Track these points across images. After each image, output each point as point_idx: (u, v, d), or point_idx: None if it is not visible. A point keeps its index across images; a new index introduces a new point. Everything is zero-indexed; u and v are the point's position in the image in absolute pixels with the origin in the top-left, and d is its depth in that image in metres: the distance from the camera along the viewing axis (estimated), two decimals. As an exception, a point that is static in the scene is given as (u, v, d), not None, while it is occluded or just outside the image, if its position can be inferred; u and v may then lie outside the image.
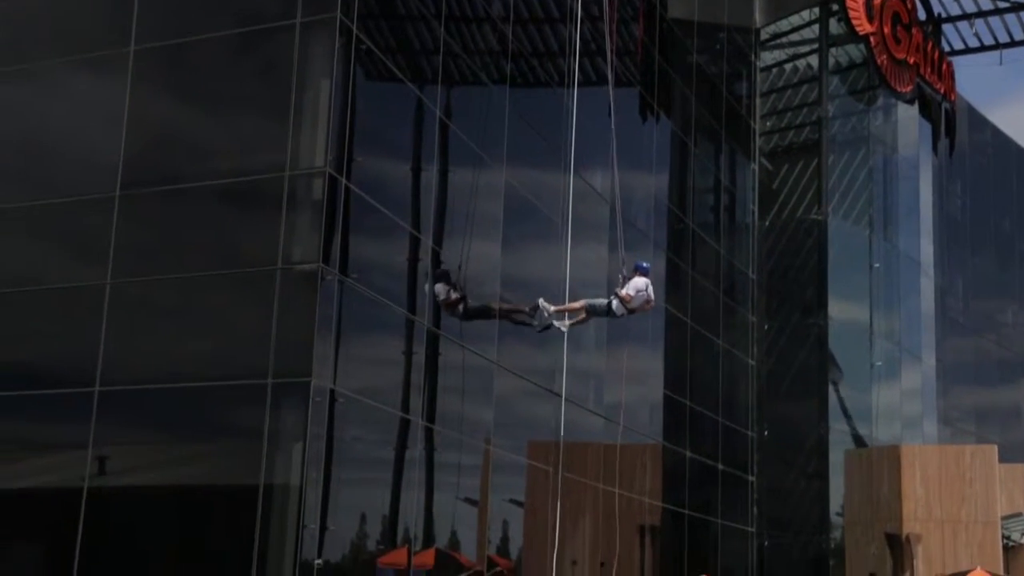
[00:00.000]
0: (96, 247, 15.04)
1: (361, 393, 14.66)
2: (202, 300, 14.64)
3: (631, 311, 17.40)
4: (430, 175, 16.72)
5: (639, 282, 17.24)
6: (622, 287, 17.23)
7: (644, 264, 17.78)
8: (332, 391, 13.96)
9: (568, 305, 17.79)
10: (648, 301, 17.57)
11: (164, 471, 14.67)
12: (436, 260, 16.67)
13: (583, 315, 17.57)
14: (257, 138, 15.01)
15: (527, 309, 17.55)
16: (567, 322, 17.62)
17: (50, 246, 15.84)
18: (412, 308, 16.01)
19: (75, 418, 14.59)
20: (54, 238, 15.80)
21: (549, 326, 17.66)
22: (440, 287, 16.41)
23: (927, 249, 36.98)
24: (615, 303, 17.21)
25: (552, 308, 17.41)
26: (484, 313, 17.63)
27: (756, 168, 31.95)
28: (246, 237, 14.72)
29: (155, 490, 14.61)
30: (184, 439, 14.57)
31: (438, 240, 16.78)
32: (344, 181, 14.44)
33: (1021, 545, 31.22)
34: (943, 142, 38.64)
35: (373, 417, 15.18)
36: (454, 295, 16.60)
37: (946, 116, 38.01)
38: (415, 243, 16.25)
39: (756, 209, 31.80)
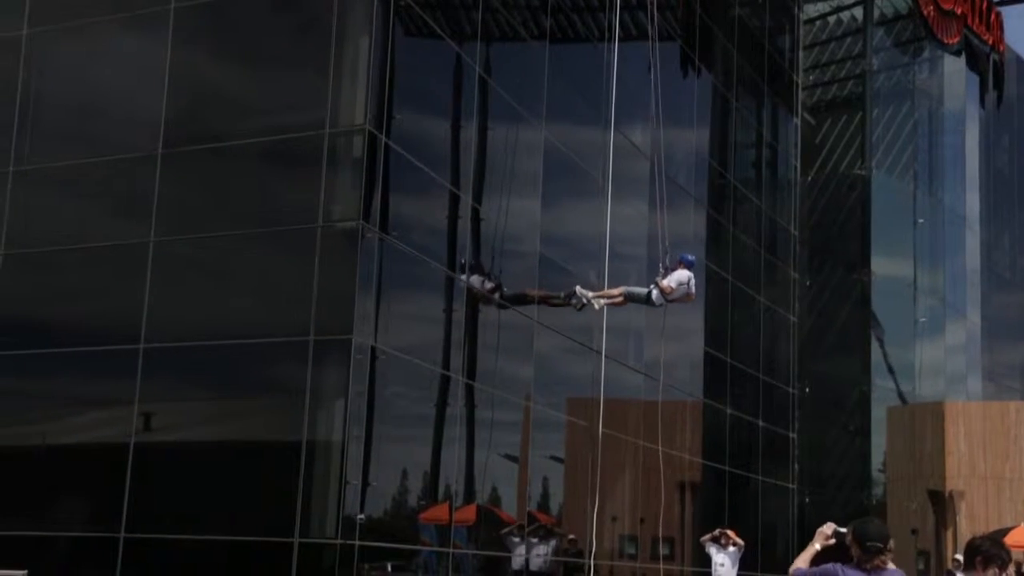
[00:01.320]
0: (139, 205, 15.15)
1: (402, 350, 14.73)
2: (244, 258, 14.74)
3: (670, 302, 17.27)
4: (469, 132, 16.68)
5: (682, 275, 16.97)
6: (663, 277, 16.98)
7: (689, 256, 17.53)
8: (373, 348, 14.04)
9: (607, 291, 17.65)
10: (689, 294, 17.32)
11: (208, 427, 14.86)
12: (476, 217, 16.67)
13: (620, 299, 17.39)
14: (297, 96, 15.02)
15: (562, 295, 17.45)
16: (603, 301, 17.49)
17: (94, 204, 15.99)
18: (452, 265, 16.04)
19: (121, 375, 14.79)
20: (98, 196, 15.93)
21: (585, 304, 17.54)
22: (475, 278, 16.35)
23: (973, 204, 36.53)
24: (655, 293, 16.93)
25: (591, 294, 17.26)
26: (519, 300, 17.56)
27: (799, 122, 31.60)
28: (287, 195, 14.77)
29: (199, 446, 14.81)
30: (227, 396, 14.73)
31: (478, 197, 16.77)
32: (384, 138, 14.43)
33: (1066, 502, 31.03)
34: (990, 94, 38.03)
35: (414, 374, 15.26)
36: (488, 285, 16.57)
37: (994, 68, 37.37)
38: (455, 200, 16.25)
39: (798, 164, 31.50)
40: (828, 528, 6.49)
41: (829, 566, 6.25)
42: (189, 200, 15.22)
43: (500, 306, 16.98)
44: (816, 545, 6.50)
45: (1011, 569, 6.48)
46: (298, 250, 14.22)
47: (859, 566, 6.17)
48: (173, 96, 15.32)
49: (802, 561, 6.44)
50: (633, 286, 17.51)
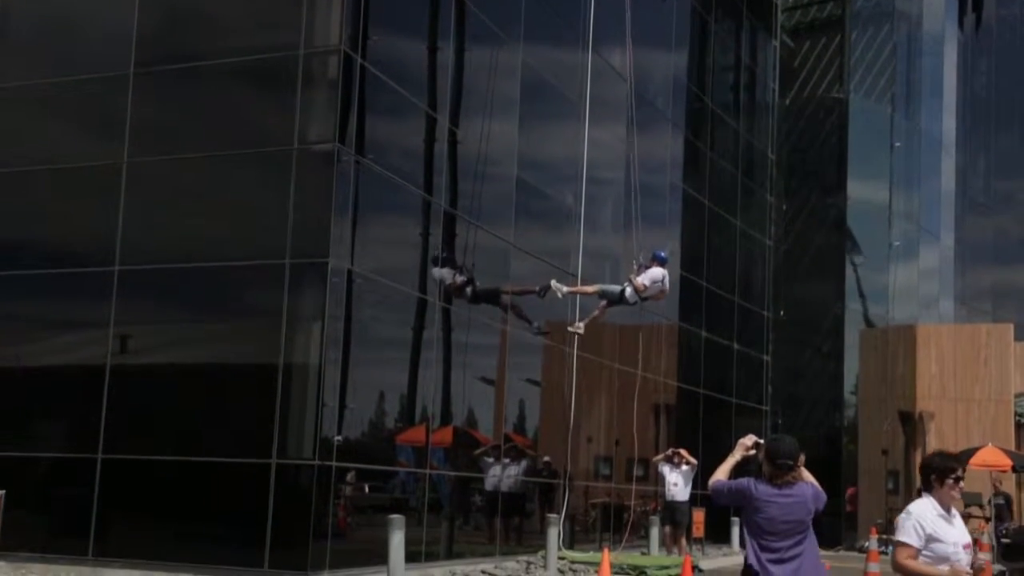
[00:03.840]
0: (112, 125, 14.98)
1: (379, 273, 14.73)
2: (219, 180, 14.62)
3: (644, 299, 17.49)
4: (446, 54, 16.51)
5: (656, 272, 17.23)
6: (637, 275, 17.18)
7: (662, 253, 17.77)
8: (350, 271, 14.03)
9: (581, 288, 17.87)
10: (663, 291, 17.64)
11: (184, 350, 14.86)
12: (453, 140, 16.58)
13: (597, 312, 17.63)
14: (271, 15, 14.79)
15: (537, 288, 17.49)
16: (580, 325, 17.70)
17: (66, 124, 15.79)
18: (429, 189, 15.98)
19: (96, 297, 14.73)
20: (70, 116, 15.73)
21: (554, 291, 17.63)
22: (445, 271, 16.14)
23: (950, 127, 36.60)
24: (628, 291, 17.22)
25: (565, 288, 17.41)
26: (492, 297, 17.49)
27: (777, 45, 31.42)
28: (262, 116, 14.63)
29: (176, 368, 14.81)
30: (204, 319, 14.71)
31: (454, 120, 16.65)
32: (360, 60, 14.27)
33: (1034, 422, 31.53)
34: (969, 17, 37.89)
35: (391, 297, 15.28)
36: (460, 279, 16.44)
37: (973, -10, 37.18)
38: (431, 123, 16.14)
39: (776, 87, 31.39)
40: (749, 440, 6.68)
41: (744, 480, 6.47)
42: (162, 121, 15.05)
43: (472, 300, 16.88)
44: (737, 456, 6.69)
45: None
46: (273, 172, 14.12)
47: (771, 481, 6.36)
48: (145, 15, 15.07)
49: (722, 473, 6.62)
50: (607, 284, 17.82)
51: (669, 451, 20.20)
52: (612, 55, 21.00)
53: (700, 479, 20.71)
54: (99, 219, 14.90)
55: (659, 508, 21.00)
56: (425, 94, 16.13)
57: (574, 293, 17.82)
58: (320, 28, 14.43)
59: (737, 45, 28.97)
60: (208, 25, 15.23)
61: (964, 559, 5.98)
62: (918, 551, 5.94)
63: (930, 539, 5.94)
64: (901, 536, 6.00)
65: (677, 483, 19.60)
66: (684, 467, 19.68)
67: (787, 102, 32.41)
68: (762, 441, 6.61)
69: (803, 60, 32.85)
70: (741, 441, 6.71)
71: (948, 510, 6.08)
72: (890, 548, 6.72)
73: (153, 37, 15.08)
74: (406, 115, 15.83)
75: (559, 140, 20.01)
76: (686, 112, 25.69)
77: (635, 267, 17.45)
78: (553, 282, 17.31)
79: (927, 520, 5.97)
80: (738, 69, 29.24)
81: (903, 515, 6.09)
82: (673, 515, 19.66)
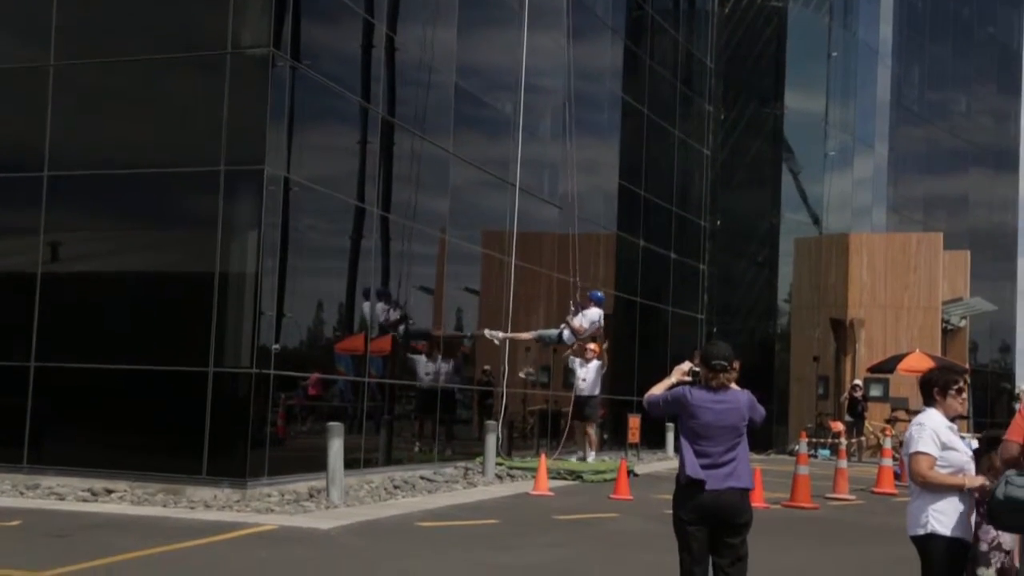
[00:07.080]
0: (37, 27, 14.53)
1: (316, 182, 14.57)
2: (150, 84, 14.29)
3: (581, 340, 18.34)
4: (383, -44, 16.16)
5: (593, 313, 18.04)
6: (574, 316, 17.94)
7: (599, 294, 18.63)
8: (286, 179, 13.86)
9: (517, 335, 18.49)
10: (599, 329, 18.44)
11: (118, 258, 14.65)
12: (390, 46, 16.32)
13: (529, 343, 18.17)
14: (202, -86, 14.35)
15: (469, 335, 17.84)
16: (499, 335, 18.11)
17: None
18: (367, 96, 15.76)
19: (25, 204, 14.44)
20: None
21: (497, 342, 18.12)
22: (380, 306, 16.18)
23: (886, 37, 36.76)
24: (566, 333, 18.00)
25: (500, 335, 18.05)
26: (425, 337, 17.72)
27: (718, -48, 31.18)
28: (195, 19, 14.25)
29: (110, 276, 14.61)
30: (137, 226, 14.48)
31: (392, 26, 16.38)
32: (294, -38, 13.93)
33: (959, 328, 32.28)
34: (907, -75, 37.81)
35: (328, 206, 15.14)
36: (394, 315, 16.60)
37: (913, -103, 37.08)
38: (369, 28, 15.86)
39: (716, -5, 31.21)
40: (686, 365, 6.84)
41: (679, 389, 6.59)
42: (90, 22, 14.62)
43: (403, 339, 16.96)
44: (673, 379, 6.82)
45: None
46: (207, 77, 13.84)
47: (706, 384, 6.48)
48: (70, -88, 14.55)
49: (657, 389, 6.73)
50: (543, 329, 18.55)
51: (576, 346, 19.81)
52: (552, -40, 20.71)
53: (636, 389, 21.00)
54: (26, 124, 14.55)
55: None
56: (362, -2, 15.82)
57: (510, 339, 18.50)
58: (253, -73, 14.04)
59: (678, -49, 28.69)
60: (137, -77, 14.74)
61: (970, 469, 5.99)
62: (935, 460, 5.89)
63: (945, 447, 5.90)
64: (920, 447, 5.90)
65: (586, 378, 19.29)
66: (595, 362, 19.38)
67: (726, 10, 32.28)
68: (699, 369, 6.69)
69: (743, -33, 32.67)
70: (679, 367, 6.83)
71: (953, 421, 6.06)
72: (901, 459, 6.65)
73: (79, -65, 14.58)
74: (343, 20, 15.53)
75: (498, 47, 19.79)
76: (626, 20, 25.49)
77: (572, 308, 18.16)
78: (487, 331, 17.93)
79: (942, 430, 5.93)
80: (678, -25, 29.00)
81: (915, 427, 5.98)
82: (582, 409, 19.49)
